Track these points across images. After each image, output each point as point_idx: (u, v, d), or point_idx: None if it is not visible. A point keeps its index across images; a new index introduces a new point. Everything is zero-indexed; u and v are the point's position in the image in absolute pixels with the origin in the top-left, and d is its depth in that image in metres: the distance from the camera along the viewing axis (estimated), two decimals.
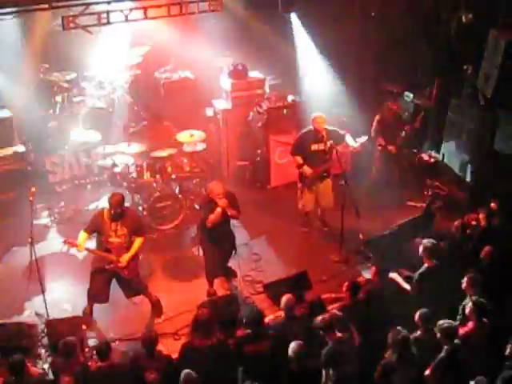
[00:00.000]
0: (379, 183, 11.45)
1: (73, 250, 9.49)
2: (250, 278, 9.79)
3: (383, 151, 11.46)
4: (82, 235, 8.49)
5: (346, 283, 7.92)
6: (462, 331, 7.03)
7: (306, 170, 10.32)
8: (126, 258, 8.47)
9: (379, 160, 11.61)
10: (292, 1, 11.78)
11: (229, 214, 8.98)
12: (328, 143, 10.13)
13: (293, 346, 6.69)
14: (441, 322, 6.87)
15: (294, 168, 10.66)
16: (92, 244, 8.79)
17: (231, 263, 9.56)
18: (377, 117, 11.54)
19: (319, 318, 7.16)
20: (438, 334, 6.81)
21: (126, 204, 8.83)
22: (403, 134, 11.44)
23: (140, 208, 10.62)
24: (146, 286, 8.93)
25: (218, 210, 8.84)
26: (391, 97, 12.50)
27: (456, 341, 6.79)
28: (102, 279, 8.60)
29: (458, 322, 7.31)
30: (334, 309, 7.82)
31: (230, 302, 8.73)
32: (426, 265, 8.18)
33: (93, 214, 8.84)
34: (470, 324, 7.13)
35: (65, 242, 8.75)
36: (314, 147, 10.28)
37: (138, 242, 8.61)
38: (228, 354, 6.95)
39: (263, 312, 7.83)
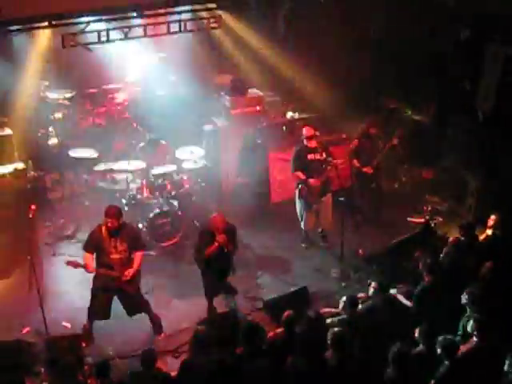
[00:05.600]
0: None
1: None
2: (250, 295, 9.78)
3: (359, 172, 11.42)
4: (87, 256, 8.42)
5: (344, 298, 7.90)
6: (463, 347, 7.00)
7: (313, 181, 10.38)
8: (131, 272, 8.44)
9: (356, 178, 11.62)
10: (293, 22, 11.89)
11: (224, 249, 8.94)
12: (324, 154, 10.30)
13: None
14: (441, 337, 6.84)
15: (293, 185, 10.71)
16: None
17: (231, 280, 9.54)
18: (354, 141, 11.42)
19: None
20: (439, 350, 6.78)
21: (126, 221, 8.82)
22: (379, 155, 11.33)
23: (140, 225, 10.61)
24: (147, 302, 8.90)
25: (215, 244, 8.82)
26: (390, 113, 12.57)
27: (457, 357, 6.77)
28: (104, 297, 8.56)
29: (458, 338, 7.28)
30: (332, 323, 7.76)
31: (229, 319, 8.70)
32: (425, 280, 8.16)
33: (90, 232, 8.69)
34: (472, 340, 7.10)
35: (68, 263, 8.42)
36: (311, 157, 10.41)
37: (138, 256, 8.60)
38: (227, 372, 6.91)
39: (263, 329, 7.79)
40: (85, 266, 8.32)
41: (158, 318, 8.97)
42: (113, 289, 8.52)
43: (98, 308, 8.60)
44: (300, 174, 10.44)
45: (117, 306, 8.70)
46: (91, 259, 8.41)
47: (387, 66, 13.09)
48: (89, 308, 8.65)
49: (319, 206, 10.65)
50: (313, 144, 10.40)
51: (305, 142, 10.46)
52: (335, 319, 7.88)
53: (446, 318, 7.62)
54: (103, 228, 8.42)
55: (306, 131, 10.48)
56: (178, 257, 10.70)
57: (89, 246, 8.48)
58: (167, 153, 11.69)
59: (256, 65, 13.08)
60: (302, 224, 10.82)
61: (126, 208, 10.63)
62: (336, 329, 7.08)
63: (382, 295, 8.03)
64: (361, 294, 8.51)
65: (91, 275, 8.61)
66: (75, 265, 8.37)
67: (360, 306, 7.88)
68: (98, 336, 8.78)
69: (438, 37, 12.61)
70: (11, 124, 11.50)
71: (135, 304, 8.73)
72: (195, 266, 9.71)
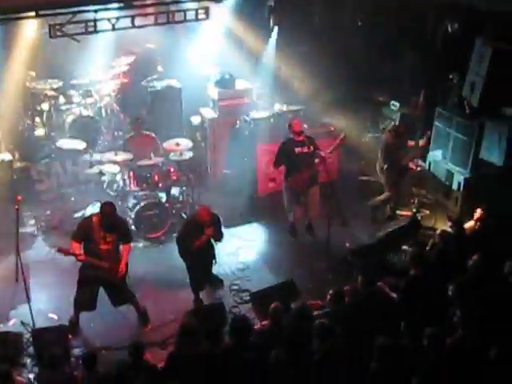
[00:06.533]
0: None
1: (58, 259, 9.39)
2: (236, 287, 9.79)
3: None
4: (75, 245, 8.42)
5: (330, 291, 7.92)
6: (449, 339, 7.03)
7: (299, 175, 10.43)
8: (122, 268, 8.53)
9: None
10: (280, 13, 11.85)
11: (212, 239, 9.07)
12: (311, 147, 10.31)
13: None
14: (428, 329, 6.87)
15: (281, 177, 10.73)
16: None
17: (217, 272, 9.55)
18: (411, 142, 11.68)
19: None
20: (426, 342, 6.81)
21: None
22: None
23: (127, 217, 10.59)
24: (133, 294, 8.90)
25: (204, 237, 8.88)
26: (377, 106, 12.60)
27: (443, 349, 6.80)
28: (90, 287, 8.57)
29: (444, 330, 7.32)
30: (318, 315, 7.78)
31: (216, 311, 8.71)
32: (412, 273, 8.19)
33: (79, 222, 8.76)
34: (458, 332, 7.14)
35: (59, 250, 8.41)
36: (298, 150, 10.42)
37: (127, 248, 8.65)
38: (214, 364, 6.92)
39: (250, 321, 7.80)
40: (76, 254, 8.34)
41: (145, 309, 8.97)
42: (101, 279, 8.52)
43: (85, 298, 8.59)
44: (282, 168, 10.48)
45: (103, 297, 8.70)
46: (78, 248, 8.40)
47: (376, 60, 13.11)
48: (75, 299, 8.64)
49: (306, 198, 10.69)
50: (300, 137, 10.41)
51: (292, 135, 10.47)
52: (322, 312, 7.91)
53: (433, 310, 7.66)
54: (94, 219, 8.43)
55: (294, 126, 10.48)
56: (165, 248, 10.70)
57: (77, 235, 8.47)
58: (154, 144, 11.67)
59: (244, 56, 13.03)
60: (289, 215, 10.85)
61: (113, 199, 10.58)
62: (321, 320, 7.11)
63: (369, 288, 8.05)
64: (347, 287, 8.52)
65: (77, 267, 8.60)
66: (66, 252, 8.38)
67: (346, 299, 7.90)
68: (85, 328, 8.78)
69: (427, 29, 12.64)
70: None
71: (121, 294, 8.73)
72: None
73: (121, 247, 8.64)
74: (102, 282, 8.56)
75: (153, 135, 11.80)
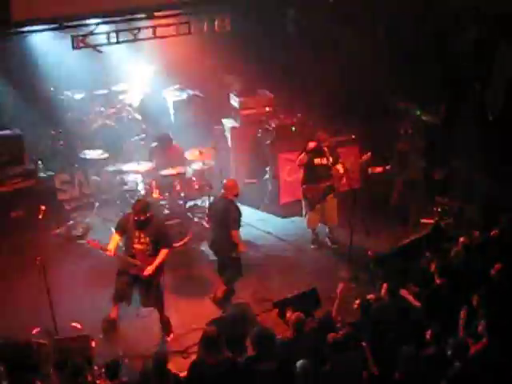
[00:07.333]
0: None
1: (83, 268, 9.45)
2: (259, 296, 9.77)
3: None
4: (114, 238, 8.70)
5: (357, 301, 7.89)
6: (473, 348, 6.97)
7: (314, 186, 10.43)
8: (150, 269, 8.55)
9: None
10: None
11: None
12: (331, 159, 10.29)
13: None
14: (452, 339, 6.81)
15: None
16: None
17: (241, 281, 9.56)
18: None
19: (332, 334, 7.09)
20: (449, 351, 6.75)
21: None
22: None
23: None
24: (161, 301, 8.89)
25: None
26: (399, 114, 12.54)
27: (467, 358, 6.74)
28: (125, 277, 8.70)
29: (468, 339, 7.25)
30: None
31: (239, 320, 8.68)
32: (436, 281, 8.13)
33: (121, 216, 9.12)
34: (483, 341, 7.07)
35: (88, 242, 8.84)
36: (317, 161, 10.42)
37: (162, 253, 8.66)
38: (237, 373, 6.90)
39: (273, 330, 7.77)
40: (103, 249, 8.57)
41: (168, 319, 8.99)
42: (132, 274, 8.64)
43: (122, 287, 8.72)
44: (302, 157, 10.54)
45: (127, 308, 8.73)
46: (115, 242, 8.66)
47: (398, 66, 13.05)
48: (114, 289, 8.78)
49: (323, 206, 10.66)
50: (322, 147, 10.36)
51: (313, 145, 10.43)
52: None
53: (457, 319, 7.59)
54: (131, 216, 8.60)
55: (319, 135, 10.46)
56: (187, 257, 10.71)
57: (117, 228, 8.78)
58: (178, 153, 11.69)
59: (265, 65, 13.06)
60: (306, 222, 10.85)
61: None
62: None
63: (392, 296, 8.00)
64: (371, 295, 8.47)
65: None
66: (95, 245, 8.66)
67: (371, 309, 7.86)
68: (108, 337, 8.81)
69: (449, 37, 12.56)
70: (21, 124, 11.59)
71: (151, 296, 8.77)
72: (205, 266, 9.75)
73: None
74: (134, 276, 8.66)
75: (179, 147, 11.76)
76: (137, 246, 8.60)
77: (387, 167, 11.65)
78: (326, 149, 10.37)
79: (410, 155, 11.74)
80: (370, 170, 11.50)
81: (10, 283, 9.97)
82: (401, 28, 13.03)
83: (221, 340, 7.10)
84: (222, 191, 9.40)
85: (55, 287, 9.19)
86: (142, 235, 8.55)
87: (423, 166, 12.03)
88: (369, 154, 10.76)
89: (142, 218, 8.47)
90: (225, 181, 9.69)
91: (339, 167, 10.42)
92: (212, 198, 10.62)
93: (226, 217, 9.15)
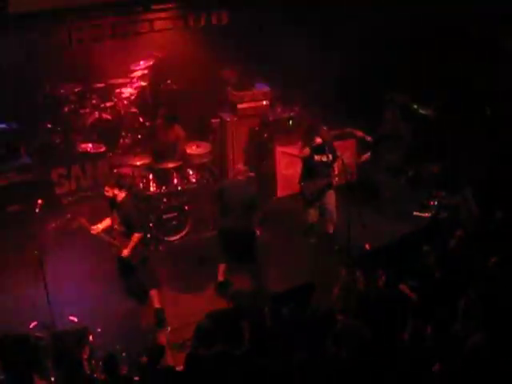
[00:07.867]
0: None
1: (81, 261, 9.46)
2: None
3: None
4: (107, 220, 8.89)
5: (355, 292, 7.89)
6: (472, 339, 6.97)
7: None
8: (125, 252, 8.68)
9: None
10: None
11: None
12: (330, 156, 10.27)
13: None
14: (451, 329, 6.82)
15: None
16: None
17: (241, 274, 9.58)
18: None
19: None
20: (447, 344, 6.76)
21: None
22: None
23: (146, 219, 10.62)
24: (145, 288, 8.99)
25: None
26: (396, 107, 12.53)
27: (467, 350, 6.75)
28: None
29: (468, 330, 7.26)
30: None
31: (235, 313, 8.69)
32: (434, 275, 8.14)
33: None
34: (480, 335, 7.07)
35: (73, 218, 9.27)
36: (318, 158, 10.36)
37: (135, 237, 8.70)
38: (232, 365, 6.90)
39: (268, 325, 7.77)
40: (88, 227, 8.78)
41: (162, 310, 9.06)
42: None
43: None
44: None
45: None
46: (106, 223, 8.86)
47: (396, 60, 13.04)
48: None
49: (322, 201, 10.65)
50: (323, 144, 10.33)
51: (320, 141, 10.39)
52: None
53: (455, 311, 7.60)
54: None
55: (321, 131, 10.42)
56: (185, 251, 10.71)
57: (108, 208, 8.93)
58: (180, 135, 11.58)
59: (263, 58, 13.03)
60: (305, 217, 10.85)
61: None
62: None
63: (390, 289, 8.02)
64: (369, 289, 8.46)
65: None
66: (83, 224, 8.86)
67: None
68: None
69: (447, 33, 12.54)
70: (18, 118, 11.56)
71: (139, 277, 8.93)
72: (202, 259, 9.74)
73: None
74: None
75: (181, 130, 11.66)
76: (116, 226, 8.75)
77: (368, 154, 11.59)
78: (326, 147, 10.33)
79: (391, 140, 11.75)
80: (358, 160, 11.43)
81: (7, 277, 9.95)
82: (402, 20, 12.99)
83: (215, 332, 7.10)
84: (236, 176, 9.61)
85: (52, 281, 9.23)
86: (116, 216, 8.68)
87: (403, 154, 12.05)
88: (368, 154, 10.77)
89: (109, 193, 8.63)
90: (236, 166, 9.97)
91: (337, 166, 10.42)
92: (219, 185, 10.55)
93: (249, 198, 9.39)
